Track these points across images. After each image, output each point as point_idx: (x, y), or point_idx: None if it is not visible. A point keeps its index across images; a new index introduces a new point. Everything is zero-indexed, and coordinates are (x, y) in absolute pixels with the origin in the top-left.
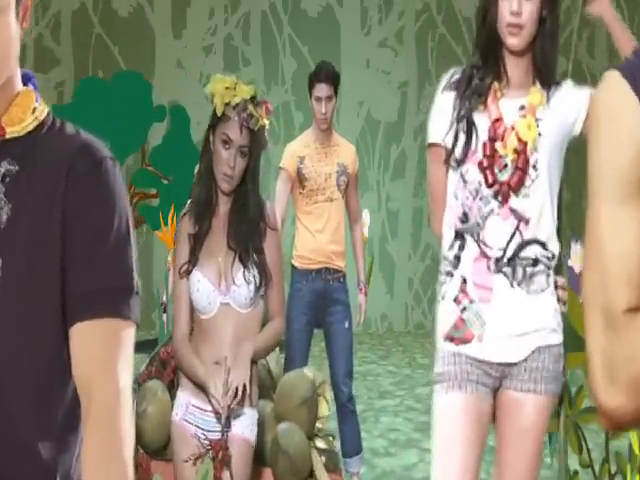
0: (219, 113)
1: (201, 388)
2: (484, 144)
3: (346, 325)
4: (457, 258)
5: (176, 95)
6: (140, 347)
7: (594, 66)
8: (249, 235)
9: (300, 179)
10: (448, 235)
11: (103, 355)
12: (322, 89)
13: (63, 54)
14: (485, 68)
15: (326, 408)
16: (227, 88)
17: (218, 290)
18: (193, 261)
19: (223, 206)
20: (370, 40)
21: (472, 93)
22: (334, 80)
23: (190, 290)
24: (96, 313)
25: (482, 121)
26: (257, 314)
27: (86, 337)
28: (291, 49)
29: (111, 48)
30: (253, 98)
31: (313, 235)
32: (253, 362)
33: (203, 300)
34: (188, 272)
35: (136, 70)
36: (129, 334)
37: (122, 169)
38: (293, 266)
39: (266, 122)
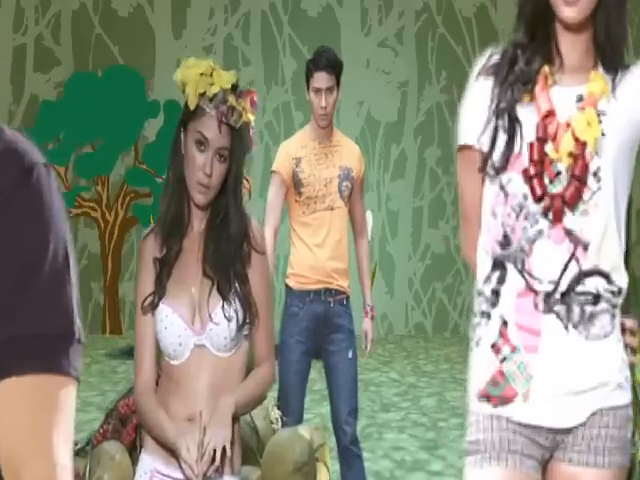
0: (192, 106)
1: (170, 451)
2: (531, 146)
3: (350, 355)
4: (495, 293)
5: (176, 95)
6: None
7: None
8: (230, 260)
9: (296, 184)
10: (484, 264)
11: (34, 422)
12: (322, 79)
13: (63, 54)
14: (532, 47)
15: (326, 476)
16: (202, 75)
17: (191, 329)
18: (160, 292)
19: (197, 223)
20: (370, 40)
21: (515, 80)
22: (336, 68)
23: (156, 328)
24: (25, 368)
25: (528, 116)
26: (240, 359)
27: (12, 399)
28: (291, 49)
29: (111, 48)
30: (235, 87)
31: (311, 250)
32: (235, 419)
33: (172, 341)
34: (153, 306)
35: (136, 70)
36: (69, 394)
37: (115, 167)
38: (288, 286)
39: (251, 117)
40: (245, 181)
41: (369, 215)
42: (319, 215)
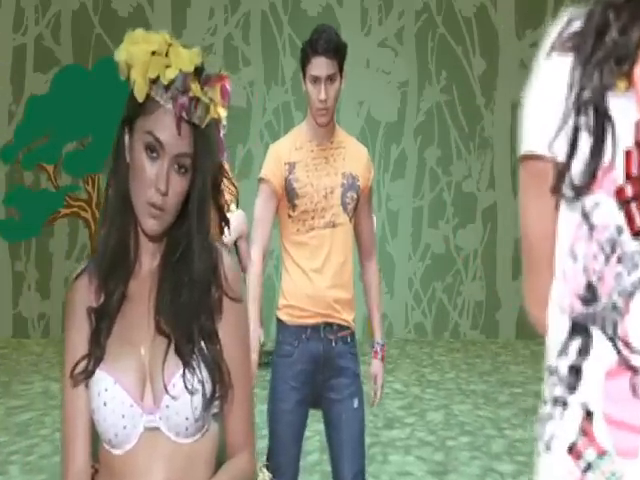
0: (140, 97)
1: None
2: (628, 155)
3: (355, 404)
4: (575, 371)
5: None
6: None
7: None
8: (193, 310)
9: (289, 196)
10: (558, 327)
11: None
12: (321, 65)
13: (63, 54)
14: (632, 8)
15: None
16: (154, 54)
17: (140, 405)
18: (96, 355)
19: (148, 259)
20: (370, 40)
21: (606, 57)
22: (338, 52)
23: (92, 405)
24: None
25: (625, 110)
26: (206, 447)
27: None
28: (291, 49)
29: (111, 48)
30: (200, 71)
31: (308, 276)
32: None
33: (114, 422)
34: (88, 374)
35: None
36: None
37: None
38: (279, 320)
39: (222, 113)
40: (232, 186)
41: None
42: (318, 233)
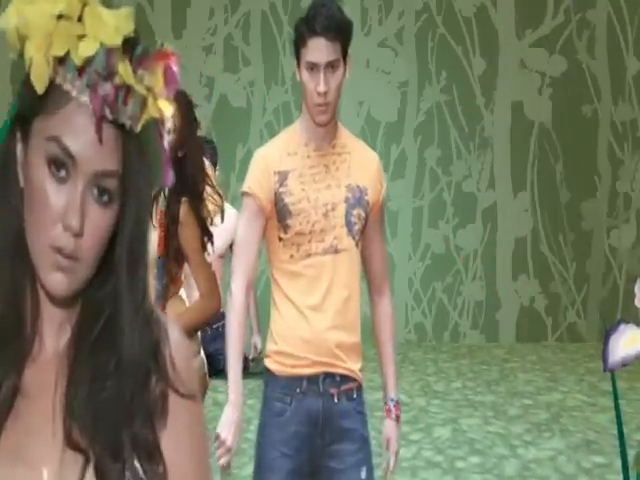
0: (40, 86)
1: None
2: None
3: (363, 475)
4: None
5: None
6: None
7: (594, 66)
8: (122, 413)
9: (280, 214)
10: None
11: None
12: (320, 48)
13: None
14: None
15: None
16: (61, 18)
17: None
18: None
19: (53, 335)
20: (370, 40)
21: None
22: (342, 33)
23: None
24: None
25: None
26: None
27: None
28: (291, 49)
29: None
30: (131, 45)
31: (304, 315)
32: None
33: None
34: None
35: None
36: None
37: None
38: (268, 370)
39: (167, 110)
40: (216, 195)
41: None
42: (316, 261)
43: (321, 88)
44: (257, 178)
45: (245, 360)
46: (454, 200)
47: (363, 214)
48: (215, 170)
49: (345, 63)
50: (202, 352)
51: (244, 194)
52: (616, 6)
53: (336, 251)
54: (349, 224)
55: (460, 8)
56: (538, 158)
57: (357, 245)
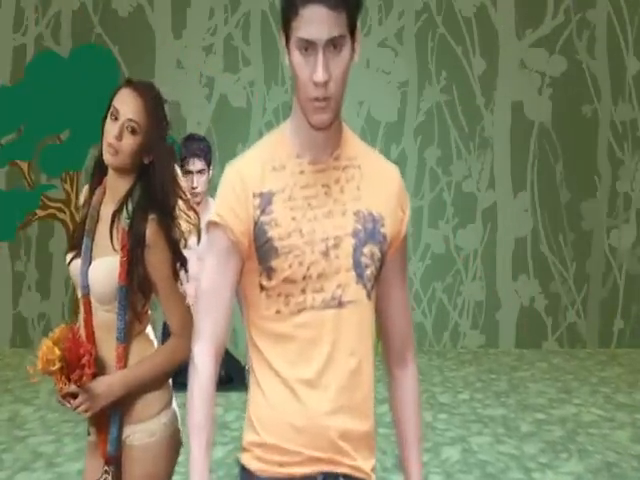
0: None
1: None
2: None
3: None
4: None
5: (176, 95)
6: None
7: (594, 66)
8: None
9: (262, 252)
10: None
11: None
12: (318, 19)
13: (63, 54)
14: None
15: None
16: None
17: None
18: None
19: None
20: (370, 40)
21: None
22: (348, 0)
23: None
24: None
25: None
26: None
27: None
28: None
29: (111, 48)
30: None
31: (295, 393)
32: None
33: None
34: None
35: (136, 70)
36: None
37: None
38: (244, 470)
39: None
40: (191, 211)
41: None
42: (313, 319)
43: (319, 76)
44: (230, 203)
45: (241, 371)
46: (454, 200)
47: (378, 252)
48: (209, 170)
49: (354, 41)
50: (174, 404)
51: (212, 225)
52: (616, 6)
53: (340, 304)
54: (358, 267)
55: (460, 8)
56: (538, 158)
57: (370, 296)
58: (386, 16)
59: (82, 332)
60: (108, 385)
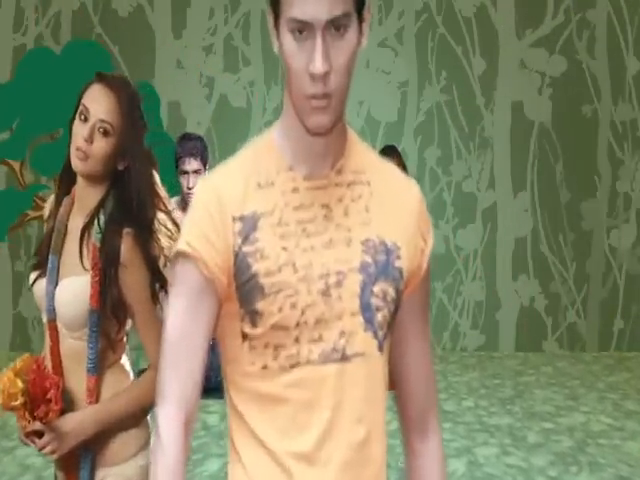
0: None
1: None
2: None
3: None
4: None
5: (176, 95)
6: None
7: (594, 66)
8: None
9: (245, 292)
10: None
11: None
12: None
13: None
14: None
15: None
16: None
17: None
18: None
19: None
20: (370, 40)
21: None
22: None
23: None
24: None
25: None
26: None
27: None
28: None
29: (111, 48)
30: None
31: (286, 469)
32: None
33: None
34: None
35: (136, 70)
36: None
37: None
38: None
39: None
40: (172, 225)
41: None
42: (309, 376)
43: (317, 67)
44: (203, 229)
45: None
46: (454, 200)
47: (392, 292)
48: (206, 170)
49: (361, 22)
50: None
51: (180, 257)
52: (616, 6)
53: (344, 358)
54: (367, 310)
55: (460, 8)
56: (538, 158)
57: (382, 347)
58: (386, 16)
59: (48, 362)
60: (78, 422)
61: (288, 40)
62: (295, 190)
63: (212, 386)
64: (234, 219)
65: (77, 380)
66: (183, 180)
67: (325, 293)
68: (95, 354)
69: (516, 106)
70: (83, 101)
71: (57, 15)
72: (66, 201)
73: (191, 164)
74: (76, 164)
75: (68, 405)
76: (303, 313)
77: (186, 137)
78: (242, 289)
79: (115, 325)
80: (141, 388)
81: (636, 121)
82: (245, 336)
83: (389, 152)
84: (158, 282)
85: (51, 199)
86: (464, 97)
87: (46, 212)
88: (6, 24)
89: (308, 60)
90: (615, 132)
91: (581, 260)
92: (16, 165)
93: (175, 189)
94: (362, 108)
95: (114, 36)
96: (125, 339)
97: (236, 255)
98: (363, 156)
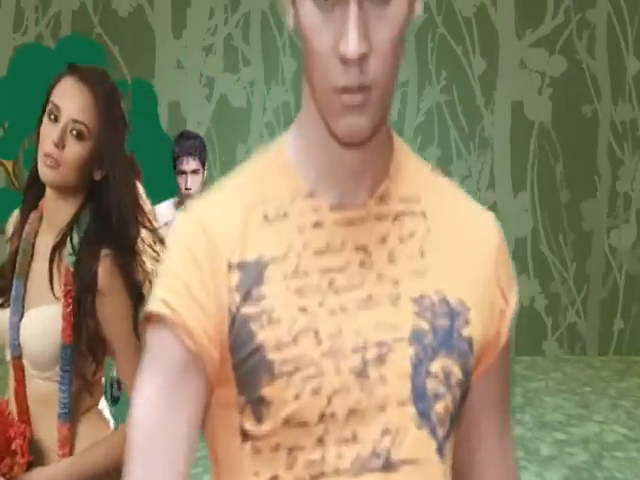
0: None
1: None
2: None
3: None
4: None
5: (176, 95)
6: None
7: (594, 66)
8: None
9: (245, 372)
10: None
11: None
12: None
13: None
14: None
15: None
16: None
17: None
18: None
19: None
20: None
21: None
22: None
23: None
24: None
25: None
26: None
27: None
28: (291, 49)
29: (111, 48)
30: None
31: None
32: None
33: None
34: None
35: (136, 70)
36: None
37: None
38: None
39: None
40: (158, 244)
41: None
42: None
43: (352, 47)
44: (185, 281)
45: None
46: None
47: (459, 371)
48: (204, 170)
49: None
50: None
51: (154, 319)
52: (616, 6)
53: (389, 466)
54: (422, 398)
55: (460, 8)
56: (538, 158)
57: (442, 450)
58: None
59: (13, 407)
60: (49, 478)
61: (309, 9)
62: (318, 225)
63: None
64: (231, 267)
65: (47, 428)
66: (181, 180)
67: (361, 373)
68: (68, 397)
69: (516, 106)
70: (52, 98)
71: (57, 15)
72: (33, 216)
73: (189, 164)
74: (44, 173)
75: (36, 458)
76: (330, 402)
77: (184, 135)
78: (242, 368)
79: (91, 363)
80: (123, 437)
81: (636, 121)
82: (246, 435)
83: None
84: (142, 313)
85: (15, 214)
86: (464, 97)
87: (9, 229)
88: (6, 24)
89: (337, 37)
90: (615, 132)
91: (581, 260)
92: (9, 165)
93: (172, 190)
94: None
95: (114, 36)
96: (103, 380)
97: (233, 319)
98: (416, 177)
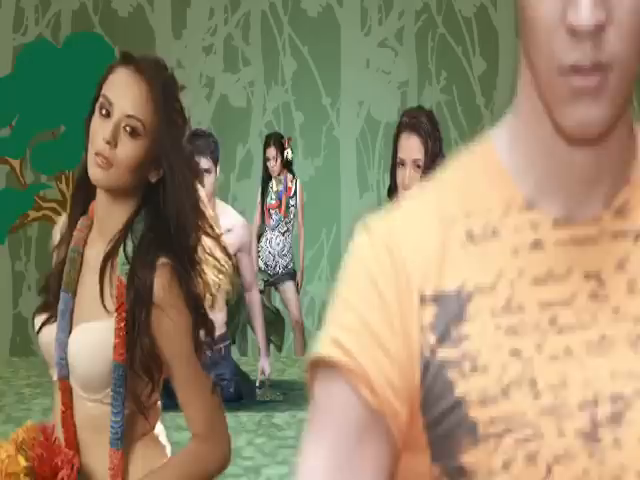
0: None
1: None
2: None
3: None
4: None
5: None
6: None
7: None
8: None
9: (441, 433)
10: None
11: None
12: None
13: None
14: None
15: None
16: None
17: None
18: None
19: None
20: (370, 40)
21: None
22: None
23: None
24: None
25: None
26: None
27: None
28: (291, 49)
29: (111, 48)
30: None
31: None
32: None
33: None
34: None
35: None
36: None
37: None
38: None
39: None
40: (220, 252)
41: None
42: None
43: (584, 14)
44: (365, 317)
45: (251, 387)
46: None
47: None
48: (217, 169)
49: None
50: None
51: (323, 365)
52: None
53: None
54: None
55: (460, 8)
56: None
57: None
58: (386, 16)
59: (60, 432)
60: None
61: None
62: (537, 245)
63: (226, 397)
64: (424, 300)
65: (97, 456)
66: None
67: (590, 436)
68: (121, 422)
69: None
70: (104, 90)
71: (57, 15)
72: (82, 222)
73: (201, 163)
74: (95, 174)
75: None
76: (549, 472)
77: (195, 134)
78: (436, 428)
79: (147, 384)
80: (182, 466)
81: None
82: None
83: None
84: (202, 328)
85: (62, 219)
86: (464, 97)
87: (56, 236)
88: (6, 24)
89: (565, 3)
90: None
91: None
92: (16, 164)
93: None
94: (362, 108)
95: (114, 36)
96: (160, 403)
97: (426, 366)
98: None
